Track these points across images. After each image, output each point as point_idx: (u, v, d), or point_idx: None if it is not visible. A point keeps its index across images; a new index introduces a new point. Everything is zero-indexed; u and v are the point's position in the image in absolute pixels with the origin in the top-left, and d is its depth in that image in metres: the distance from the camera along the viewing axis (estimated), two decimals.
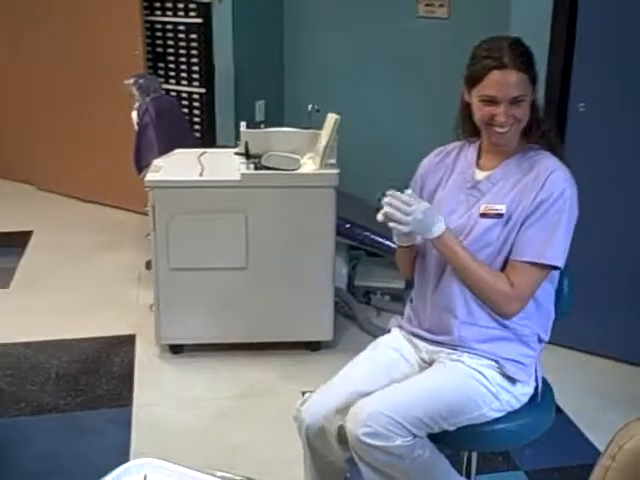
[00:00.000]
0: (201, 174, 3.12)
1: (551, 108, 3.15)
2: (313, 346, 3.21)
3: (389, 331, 2.08)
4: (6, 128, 5.45)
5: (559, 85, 3.14)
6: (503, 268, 1.85)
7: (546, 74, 3.13)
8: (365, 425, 1.72)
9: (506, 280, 1.82)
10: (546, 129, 1.92)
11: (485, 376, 1.85)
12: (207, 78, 4.51)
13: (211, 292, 3.15)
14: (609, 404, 2.94)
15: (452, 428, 1.81)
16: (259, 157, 3.07)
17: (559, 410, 2.90)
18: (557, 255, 1.82)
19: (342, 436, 1.82)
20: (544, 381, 2.01)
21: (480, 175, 1.92)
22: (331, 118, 3.07)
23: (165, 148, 3.55)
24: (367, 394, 1.82)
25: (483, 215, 1.86)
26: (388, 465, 1.76)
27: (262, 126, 3.74)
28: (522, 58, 1.79)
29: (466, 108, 1.90)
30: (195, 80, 4.61)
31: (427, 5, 3.97)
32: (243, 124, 3.24)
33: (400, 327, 2.06)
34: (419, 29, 3.99)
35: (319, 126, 3.16)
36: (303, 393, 1.98)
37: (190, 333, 3.21)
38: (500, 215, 1.83)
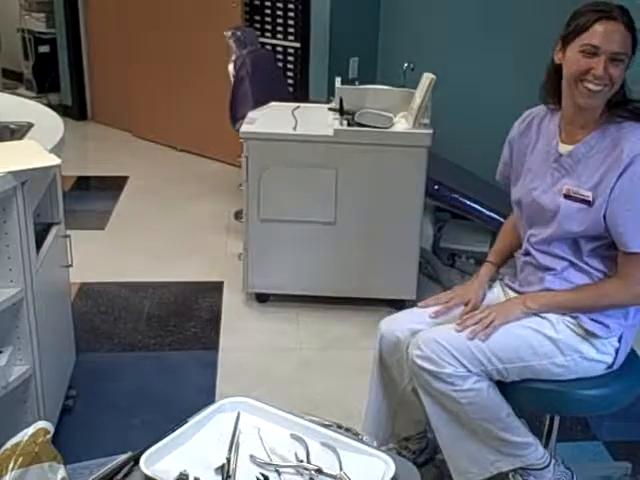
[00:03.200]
0: (295, 128, 3.14)
1: None
2: (396, 304, 3.22)
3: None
4: (108, 77, 5.61)
5: None
6: (589, 242, 1.82)
7: None
8: (419, 348, 1.83)
9: (616, 283, 1.81)
10: (636, 106, 1.81)
11: (553, 325, 1.84)
12: (303, 33, 4.51)
13: (299, 245, 3.19)
14: None
15: (510, 375, 1.83)
16: (352, 114, 3.07)
17: None
18: None
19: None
20: (632, 354, 1.97)
21: (563, 149, 1.86)
22: (426, 77, 3.02)
23: (260, 101, 3.58)
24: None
25: (567, 197, 1.82)
26: (441, 393, 1.82)
27: (356, 83, 3.73)
28: (629, 19, 1.74)
29: (556, 72, 1.83)
30: (290, 34, 4.62)
31: None
32: (338, 80, 3.25)
33: (501, 278, 2.10)
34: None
35: (413, 85, 3.13)
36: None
37: (276, 283, 3.27)
38: (587, 202, 1.78)
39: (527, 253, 1.97)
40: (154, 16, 5.04)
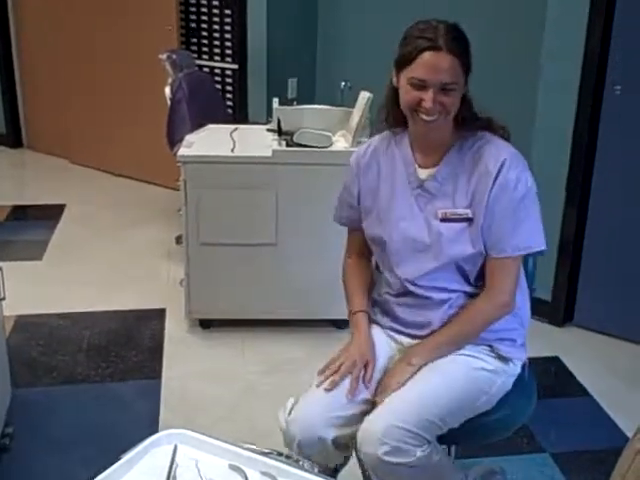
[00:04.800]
0: (233, 150, 3.12)
1: (587, 87, 3.13)
2: (340, 324, 3.21)
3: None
4: (42, 103, 5.51)
5: (595, 68, 3.10)
6: (474, 264, 1.78)
7: (582, 56, 3.10)
8: (383, 443, 1.61)
9: (482, 298, 1.77)
10: (483, 125, 1.79)
11: (484, 361, 1.80)
12: (240, 54, 4.51)
13: (241, 268, 3.17)
14: (634, 387, 2.93)
15: (457, 424, 1.74)
16: (291, 134, 3.06)
17: (585, 392, 2.90)
18: (540, 239, 1.76)
19: (338, 443, 1.73)
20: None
21: (423, 173, 1.79)
22: (363, 96, 3.05)
23: (198, 123, 3.56)
24: (360, 397, 1.75)
25: (445, 220, 1.76)
26: (411, 478, 1.66)
27: (294, 103, 3.74)
28: (457, 43, 1.67)
29: (394, 94, 1.77)
30: (228, 56, 4.62)
31: None
32: (276, 100, 3.25)
33: (375, 322, 1.93)
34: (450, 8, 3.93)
35: (351, 104, 3.15)
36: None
37: (219, 308, 3.23)
38: (468, 220, 1.74)
39: (403, 294, 1.84)
40: (89, 40, 4.97)
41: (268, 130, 3.27)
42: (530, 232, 1.74)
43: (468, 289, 1.81)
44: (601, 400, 2.85)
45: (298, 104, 3.56)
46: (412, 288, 1.81)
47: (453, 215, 1.75)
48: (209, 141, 3.26)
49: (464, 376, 1.76)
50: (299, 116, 3.14)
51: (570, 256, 3.36)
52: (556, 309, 3.43)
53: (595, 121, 3.16)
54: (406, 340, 1.86)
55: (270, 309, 3.24)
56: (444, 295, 1.80)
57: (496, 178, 1.71)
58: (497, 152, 1.74)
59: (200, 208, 3.06)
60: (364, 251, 1.96)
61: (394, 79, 1.75)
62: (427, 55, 1.65)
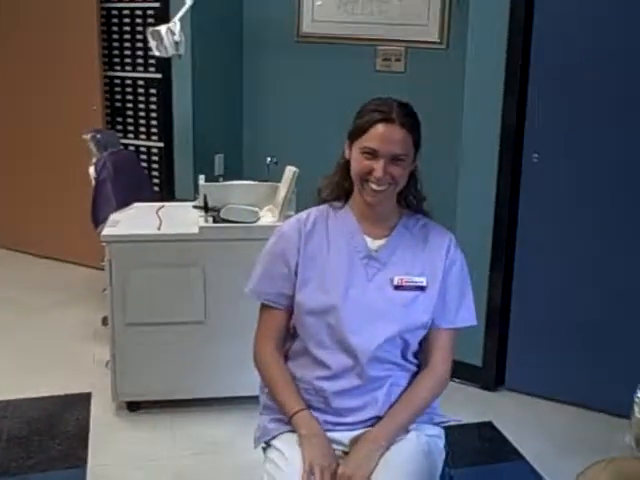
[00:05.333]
0: (159, 228, 3.11)
1: (506, 159, 3.27)
2: None
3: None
4: None
5: (513, 137, 3.23)
6: (416, 337, 1.80)
7: (500, 126, 3.24)
8: None
9: (427, 375, 1.79)
10: (422, 200, 1.90)
11: (434, 437, 1.82)
12: (166, 132, 4.52)
13: (169, 347, 3.11)
14: (569, 450, 2.95)
15: None
16: (218, 210, 3.07)
17: (519, 456, 2.92)
18: (474, 314, 1.88)
19: None
20: None
21: (373, 244, 1.82)
22: (289, 171, 3.09)
23: (123, 202, 3.53)
24: None
25: (399, 287, 1.77)
26: None
27: (221, 179, 3.76)
28: (410, 119, 1.76)
29: (345, 165, 1.84)
30: (154, 134, 4.62)
31: (384, 60, 4.06)
32: (202, 177, 3.25)
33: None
34: (377, 82, 4.07)
35: (277, 179, 3.18)
36: None
37: (147, 389, 3.14)
38: (420, 288, 1.78)
39: (342, 373, 1.77)
40: (9, 118, 4.91)
41: (195, 207, 3.26)
42: (471, 306, 1.87)
43: (404, 364, 1.82)
44: (536, 463, 2.86)
45: (225, 180, 3.57)
46: (364, 360, 1.74)
47: (409, 282, 1.78)
48: (135, 220, 3.24)
49: (419, 450, 1.72)
50: (226, 192, 3.15)
51: (498, 321, 3.43)
52: (487, 374, 3.47)
53: (515, 188, 3.29)
54: (342, 435, 1.76)
55: (200, 388, 3.17)
56: (388, 370, 1.78)
57: (447, 252, 1.83)
58: (442, 231, 1.88)
59: (126, 288, 3.01)
60: (281, 337, 1.87)
61: (346, 151, 1.82)
62: (380, 127, 1.73)
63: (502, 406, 3.34)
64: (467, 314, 1.85)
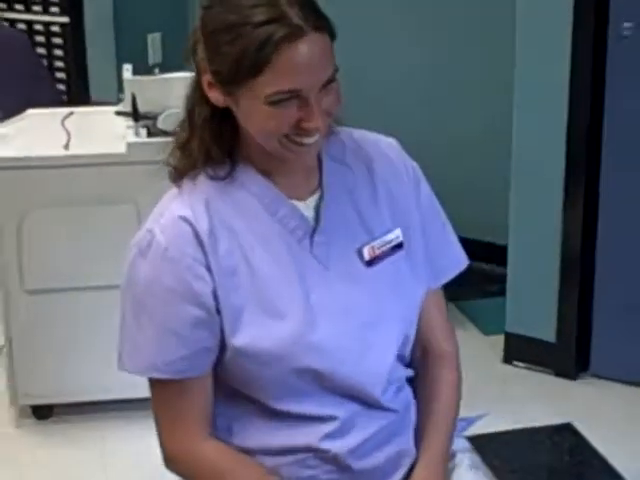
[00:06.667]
0: (66, 146, 3.13)
1: (584, 33, 3.29)
2: None
3: None
4: None
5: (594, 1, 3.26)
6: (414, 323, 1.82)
7: None
8: None
9: (437, 369, 1.84)
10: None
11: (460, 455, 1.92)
12: (72, 1, 4.53)
13: (92, 323, 3.15)
14: None
15: None
16: (153, 118, 3.08)
17: (614, 475, 3.02)
18: (462, 249, 1.89)
19: None
20: None
21: (307, 209, 1.71)
22: None
23: (10, 109, 3.55)
24: None
25: (373, 261, 1.72)
26: None
27: (156, 71, 3.71)
28: (312, 7, 1.58)
29: (215, 115, 1.64)
30: (54, 5, 4.62)
31: None
32: (128, 68, 3.26)
33: None
34: None
35: None
36: None
37: (63, 387, 3.20)
38: (399, 246, 1.74)
39: (347, 429, 1.74)
40: None
41: (119, 113, 3.28)
42: (456, 239, 1.88)
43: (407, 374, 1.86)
44: None
45: (163, 72, 3.54)
46: (366, 397, 1.73)
47: (382, 247, 1.73)
48: (29, 135, 3.26)
49: None
50: (165, 90, 3.12)
51: (578, 278, 3.50)
52: (564, 354, 3.56)
53: (599, 75, 3.33)
54: None
55: (141, 382, 3.18)
56: (402, 393, 1.80)
57: (407, 171, 1.79)
58: (383, 143, 1.82)
59: (23, 237, 3.06)
60: (210, 416, 1.73)
61: (215, 96, 1.60)
62: (290, 49, 1.51)
63: (587, 400, 3.44)
64: (456, 252, 1.86)
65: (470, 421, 1.95)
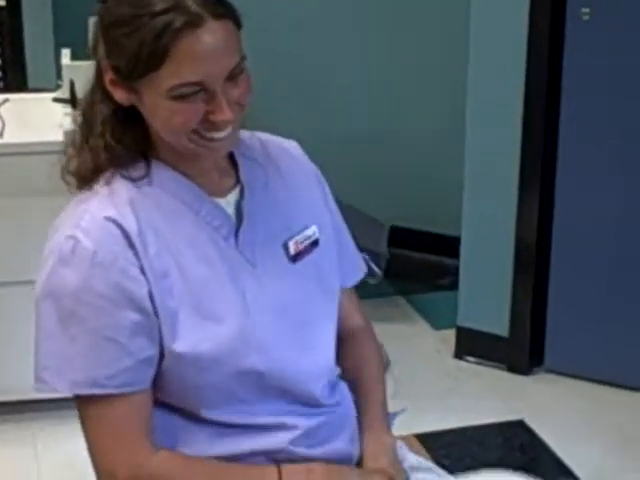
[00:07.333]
0: (1, 134, 3.13)
1: (540, 17, 3.27)
2: None
3: None
4: None
5: None
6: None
7: None
8: None
9: (360, 337, 1.93)
10: None
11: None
12: None
13: (20, 320, 3.10)
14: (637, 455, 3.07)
15: None
16: None
17: (568, 473, 3.02)
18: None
19: None
20: None
21: (228, 205, 1.69)
22: None
23: None
24: None
25: (298, 256, 1.73)
26: None
27: None
28: None
29: (123, 117, 1.60)
30: None
31: None
32: (66, 53, 3.24)
33: None
34: None
35: None
36: None
37: None
38: (316, 242, 1.76)
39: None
40: None
41: (56, 100, 3.27)
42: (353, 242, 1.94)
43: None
44: None
45: None
46: (307, 398, 1.73)
47: (304, 242, 1.74)
48: None
49: None
50: None
51: (532, 269, 3.50)
52: (517, 348, 3.55)
53: (555, 62, 3.32)
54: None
55: None
56: (338, 388, 1.82)
57: (314, 171, 1.85)
58: (286, 145, 1.85)
59: None
60: (152, 428, 1.66)
61: (122, 97, 1.56)
62: (189, 39, 1.48)
63: (540, 396, 3.44)
64: (357, 258, 1.94)
65: (391, 417, 1.93)
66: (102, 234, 1.55)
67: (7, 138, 3.10)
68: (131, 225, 1.55)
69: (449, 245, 3.97)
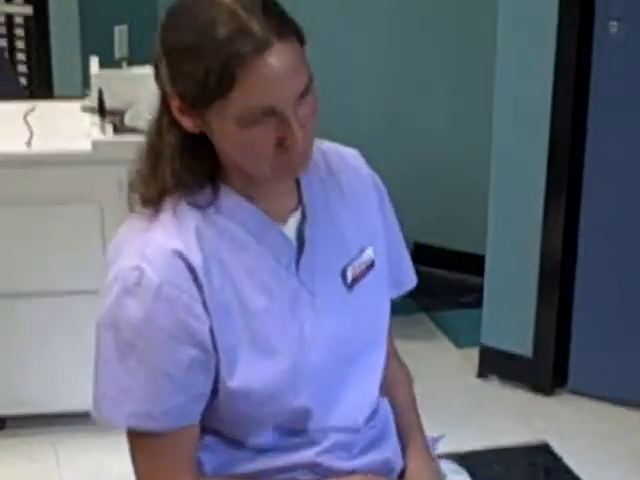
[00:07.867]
0: (29, 143, 3.11)
1: (568, 30, 3.26)
2: None
3: None
4: None
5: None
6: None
7: None
8: None
9: (397, 377, 1.90)
10: None
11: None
12: None
13: (49, 330, 3.14)
14: None
15: None
16: (120, 114, 3.07)
17: None
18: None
19: None
20: None
21: (289, 230, 1.66)
22: None
23: None
24: None
25: (353, 284, 1.70)
26: None
27: (124, 65, 3.72)
28: (275, 13, 1.51)
29: (192, 144, 1.56)
30: None
31: None
32: (94, 61, 3.25)
33: None
34: None
35: None
36: None
37: (16, 398, 3.18)
38: (372, 265, 1.72)
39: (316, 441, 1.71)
40: None
41: (85, 109, 3.25)
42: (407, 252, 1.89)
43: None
44: None
45: (131, 66, 3.55)
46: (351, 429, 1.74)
47: (360, 267, 1.70)
48: None
49: None
50: (133, 85, 3.11)
51: (557, 287, 3.47)
52: (540, 369, 3.53)
53: (583, 74, 3.30)
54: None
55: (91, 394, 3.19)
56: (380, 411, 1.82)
57: (374, 183, 1.78)
58: (347, 152, 1.80)
59: None
60: (195, 457, 1.67)
61: (190, 124, 1.53)
62: (259, 64, 1.45)
63: (563, 417, 3.42)
64: (410, 269, 1.89)
65: (433, 441, 1.94)
66: (168, 267, 1.53)
67: (36, 146, 3.10)
68: (196, 259, 1.53)
69: (473, 262, 3.95)
